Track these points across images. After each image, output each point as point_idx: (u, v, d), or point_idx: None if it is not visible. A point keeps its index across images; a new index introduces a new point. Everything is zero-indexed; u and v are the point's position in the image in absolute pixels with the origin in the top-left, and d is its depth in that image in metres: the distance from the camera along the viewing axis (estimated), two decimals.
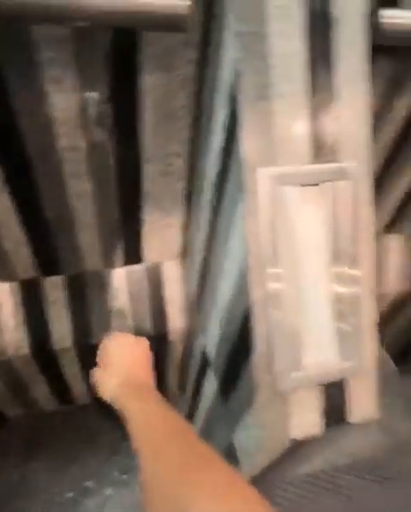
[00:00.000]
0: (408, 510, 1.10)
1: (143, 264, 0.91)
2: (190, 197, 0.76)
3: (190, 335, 0.93)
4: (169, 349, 1.05)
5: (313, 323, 0.50)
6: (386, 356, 1.50)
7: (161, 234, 0.86)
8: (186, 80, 0.59)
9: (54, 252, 0.80)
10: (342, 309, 0.51)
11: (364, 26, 0.47)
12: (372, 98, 0.74)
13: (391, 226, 1.09)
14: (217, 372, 0.69)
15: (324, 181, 0.48)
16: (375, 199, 0.98)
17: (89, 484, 1.03)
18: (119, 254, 0.87)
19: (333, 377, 0.51)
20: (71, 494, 1.01)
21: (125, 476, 1.08)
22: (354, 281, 0.51)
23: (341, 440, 1.21)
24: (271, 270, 0.47)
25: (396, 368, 1.45)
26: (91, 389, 0.57)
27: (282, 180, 0.46)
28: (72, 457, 1.07)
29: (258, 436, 0.53)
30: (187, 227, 0.82)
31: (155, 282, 0.93)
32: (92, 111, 0.57)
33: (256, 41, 0.44)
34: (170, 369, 1.14)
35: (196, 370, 0.88)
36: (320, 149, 0.48)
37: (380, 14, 0.53)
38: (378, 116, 0.77)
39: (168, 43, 0.53)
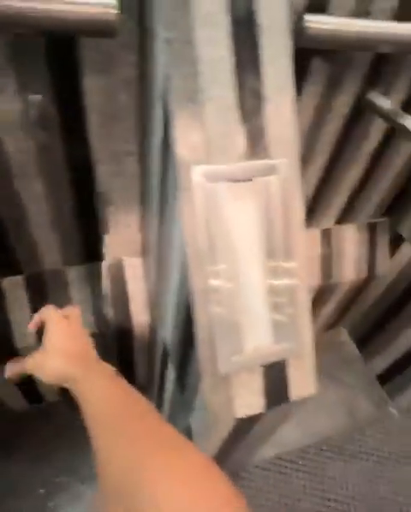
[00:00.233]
0: (370, 484, 1.17)
1: (104, 261, 0.93)
2: (144, 196, 0.78)
3: (153, 329, 0.96)
4: (135, 344, 1.07)
5: (252, 312, 0.54)
6: (349, 341, 1.58)
7: (121, 232, 0.88)
8: (127, 82, 0.61)
9: (12, 252, 0.81)
10: (279, 299, 0.55)
11: (288, 32, 0.51)
12: (313, 99, 0.79)
13: (344, 217, 1.15)
14: (173, 361, 0.72)
15: (255, 177, 0.51)
16: (327, 192, 1.04)
17: (61, 480, 1.05)
18: (79, 252, 0.89)
19: (271, 359, 0.55)
20: (43, 490, 1.02)
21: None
22: (288, 273, 0.55)
23: (307, 422, 1.27)
24: (209, 264, 0.50)
25: (359, 352, 1.53)
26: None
27: (216, 177, 0.49)
28: (44, 454, 1.08)
29: (206, 418, 0.56)
30: (144, 225, 0.85)
31: (117, 278, 0.95)
32: (36, 114, 0.58)
33: (184, 47, 0.47)
34: (139, 364, 1.17)
35: (160, 362, 0.91)
36: (251, 148, 0.52)
37: (306, 19, 0.57)
38: (320, 115, 0.82)
39: (106, 47, 0.55)
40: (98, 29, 0.45)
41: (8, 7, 0.41)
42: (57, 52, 0.54)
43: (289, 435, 1.22)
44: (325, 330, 1.55)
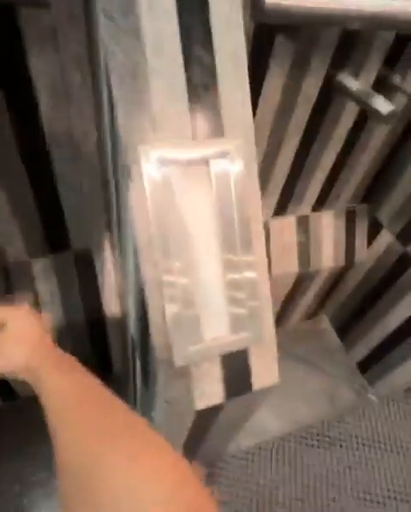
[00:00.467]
0: (350, 471, 1.18)
1: (71, 251, 0.90)
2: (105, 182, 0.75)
3: (124, 320, 0.93)
4: (108, 336, 1.05)
5: (209, 305, 0.51)
6: (330, 328, 1.57)
7: (88, 220, 0.85)
8: (77, 60, 0.58)
9: None
10: (238, 293, 0.52)
11: (240, 4, 0.48)
12: (280, 79, 0.76)
13: (321, 203, 1.13)
14: (138, 353, 0.70)
15: (207, 159, 0.49)
16: (301, 179, 1.02)
17: (36, 476, 1.03)
18: (44, 243, 0.86)
19: (230, 348, 0.53)
20: (18, 487, 1.01)
21: None
22: (248, 266, 0.52)
23: (287, 410, 1.27)
24: (161, 256, 0.48)
25: (340, 340, 1.53)
26: None
27: (164, 159, 0.47)
28: (18, 451, 1.06)
29: (166, 410, 0.55)
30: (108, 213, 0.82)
31: (86, 269, 0.92)
32: None
33: (125, 19, 0.43)
34: (114, 356, 1.15)
35: (131, 354, 0.89)
36: (203, 128, 0.49)
37: None
38: (289, 97, 0.79)
39: (48, 21, 0.52)
40: None
41: None
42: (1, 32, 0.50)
43: (269, 424, 1.22)
44: (306, 318, 1.54)
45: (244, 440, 1.16)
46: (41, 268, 0.88)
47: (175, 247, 0.48)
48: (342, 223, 1.21)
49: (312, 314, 1.53)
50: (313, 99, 0.82)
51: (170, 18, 0.45)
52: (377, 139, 0.99)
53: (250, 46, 0.66)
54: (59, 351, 0.48)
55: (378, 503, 1.13)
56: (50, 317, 0.55)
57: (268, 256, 1.13)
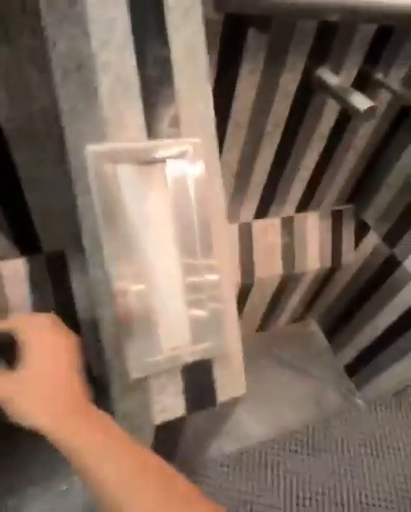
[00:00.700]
0: (334, 477, 1.15)
1: (42, 254, 0.87)
2: None
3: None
4: (83, 343, 1.02)
5: (168, 312, 0.48)
6: (318, 331, 1.54)
7: (58, 222, 0.82)
8: (33, 54, 0.54)
9: None
10: (199, 296, 0.49)
11: None
12: (254, 75, 0.72)
13: (305, 204, 1.10)
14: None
15: (164, 159, 0.45)
16: (283, 179, 0.99)
17: (30, 490, 1.00)
18: (13, 246, 0.83)
19: (192, 359, 0.50)
20: (11, 501, 0.98)
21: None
22: (209, 269, 0.49)
23: (272, 416, 1.24)
24: (111, 259, 0.45)
25: (328, 342, 1.50)
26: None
27: (115, 157, 0.44)
28: (12, 464, 1.03)
29: (123, 425, 0.51)
30: None
31: (58, 271, 0.89)
32: None
33: (69, 6, 0.40)
34: (92, 362, 1.12)
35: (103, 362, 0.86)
36: (158, 125, 0.46)
37: None
38: (265, 94, 0.76)
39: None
40: None
41: None
42: None
43: (252, 429, 1.19)
44: (294, 321, 1.51)
45: (226, 446, 1.13)
46: (11, 271, 0.85)
47: (126, 252, 0.45)
48: (327, 225, 1.18)
49: (299, 317, 1.51)
50: (292, 96, 0.79)
51: (121, 8, 0.42)
52: (361, 138, 0.96)
53: (220, 40, 0.63)
54: (90, 410, 0.38)
55: (363, 510, 1.10)
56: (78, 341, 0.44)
57: (251, 259, 1.11)
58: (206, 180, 0.48)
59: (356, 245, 1.23)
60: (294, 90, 0.78)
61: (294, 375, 1.36)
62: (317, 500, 1.09)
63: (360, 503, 1.10)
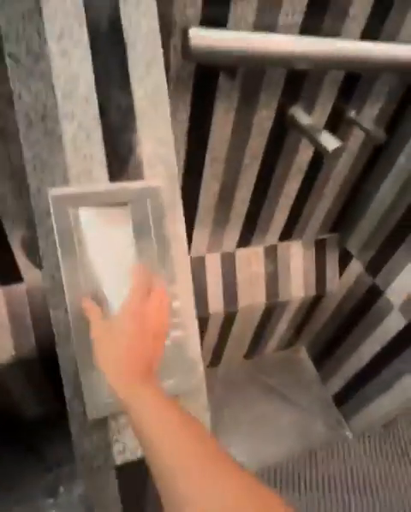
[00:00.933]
0: None
1: (23, 283, 0.88)
2: None
3: None
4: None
5: None
6: (308, 359, 1.53)
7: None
8: (9, 97, 0.57)
9: None
10: None
11: (159, 47, 0.47)
12: (228, 113, 0.75)
13: (288, 233, 1.11)
14: None
15: (125, 202, 0.47)
16: (264, 209, 1.01)
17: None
18: None
19: None
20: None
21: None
22: (172, 296, 0.50)
23: (254, 448, 1.21)
24: (69, 295, 0.46)
25: (317, 370, 1.48)
26: None
27: (77, 201, 0.45)
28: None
29: (81, 467, 0.51)
30: None
31: (38, 301, 0.89)
32: None
33: (34, 62, 0.43)
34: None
35: None
36: (121, 168, 0.47)
37: (191, 34, 0.53)
38: (241, 131, 0.78)
39: None
40: None
41: None
42: None
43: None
44: (283, 348, 1.50)
45: None
46: None
47: (88, 291, 0.46)
48: (311, 253, 1.19)
49: (289, 344, 1.50)
50: (267, 132, 0.81)
51: (85, 63, 0.44)
52: (339, 172, 0.98)
53: (193, 82, 0.66)
54: (153, 379, 0.42)
55: None
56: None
57: (234, 287, 1.11)
58: (167, 218, 0.49)
59: (341, 273, 1.23)
60: (270, 127, 0.80)
61: (281, 404, 1.34)
62: None
63: None
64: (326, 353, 1.40)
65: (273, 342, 1.44)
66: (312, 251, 1.20)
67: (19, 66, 0.42)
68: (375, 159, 1.00)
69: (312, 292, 1.22)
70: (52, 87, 0.44)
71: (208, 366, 1.40)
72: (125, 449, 0.50)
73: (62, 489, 1.07)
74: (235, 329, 1.24)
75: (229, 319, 1.18)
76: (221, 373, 1.41)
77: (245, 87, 0.71)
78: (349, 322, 1.23)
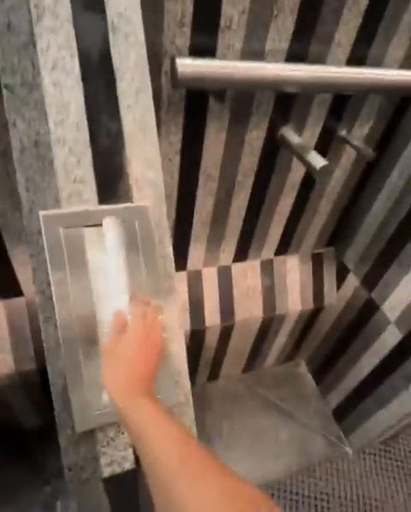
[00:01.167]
0: None
1: (23, 297, 0.90)
2: None
3: None
4: None
5: None
6: (307, 373, 1.52)
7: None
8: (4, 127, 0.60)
9: None
10: None
11: (147, 75, 0.50)
12: (220, 134, 0.78)
13: (284, 247, 1.12)
14: None
15: (114, 225, 0.49)
16: (259, 225, 1.02)
17: None
18: None
19: None
20: None
21: None
22: (157, 308, 0.52)
23: (251, 464, 1.20)
24: (60, 313, 0.48)
25: (316, 384, 1.47)
26: None
27: (68, 222, 0.47)
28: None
29: (68, 479, 0.52)
30: None
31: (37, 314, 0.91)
32: None
33: (28, 92, 0.46)
34: None
35: None
36: (110, 190, 0.50)
37: (178, 62, 0.56)
38: (234, 149, 0.81)
39: None
40: None
41: None
42: None
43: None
44: (283, 361, 1.50)
45: None
46: None
47: (77, 307, 0.48)
48: (308, 267, 1.21)
49: (288, 357, 1.49)
50: (259, 151, 0.84)
51: (76, 92, 0.47)
52: (333, 188, 1.00)
53: (184, 105, 0.69)
54: (151, 389, 0.45)
55: None
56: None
57: (231, 301, 1.13)
58: (154, 237, 0.51)
59: (339, 286, 1.24)
60: (261, 146, 0.83)
61: (279, 421, 1.33)
62: None
63: None
64: (326, 367, 1.40)
65: (272, 356, 1.44)
66: (309, 265, 1.21)
67: (14, 96, 0.45)
68: (368, 176, 1.02)
69: (310, 305, 1.23)
70: (45, 115, 0.46)
71: (207, 381, 1.40)
72: (112, 461, 0.51)
73: (59, 504, 1.07)
74: (233, 342, 1.25)
75: (226, 333, 1.19)
76: (220, 388, 1.41)
77: (235, 109, 0.74)
78: (348, 335, 1.23)
